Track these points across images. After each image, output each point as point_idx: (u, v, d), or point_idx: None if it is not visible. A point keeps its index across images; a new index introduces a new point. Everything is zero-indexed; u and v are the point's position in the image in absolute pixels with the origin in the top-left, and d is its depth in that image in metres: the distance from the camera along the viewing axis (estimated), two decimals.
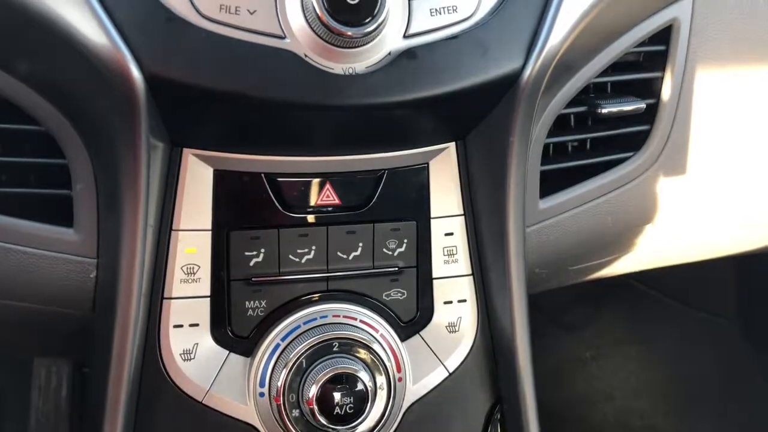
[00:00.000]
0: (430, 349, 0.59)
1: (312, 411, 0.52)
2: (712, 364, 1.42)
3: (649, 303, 1.47)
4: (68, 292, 0.53)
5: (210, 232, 0.53)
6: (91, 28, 0.43)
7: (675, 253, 0.81)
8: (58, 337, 0.67)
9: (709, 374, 1.42)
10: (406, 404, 0.58)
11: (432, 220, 0.57)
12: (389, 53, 0.48)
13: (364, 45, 0.47)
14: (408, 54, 0.48)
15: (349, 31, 0.45)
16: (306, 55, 0.46)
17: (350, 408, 0.53)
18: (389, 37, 0.48)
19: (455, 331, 0.59)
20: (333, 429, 0.53)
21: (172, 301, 0.53)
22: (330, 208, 0.55)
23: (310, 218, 0.55)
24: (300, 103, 0.46)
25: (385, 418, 0.55)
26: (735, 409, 1.37)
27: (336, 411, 0.53)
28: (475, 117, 0.54)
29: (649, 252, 0.76)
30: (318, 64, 0.47)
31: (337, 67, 0.47)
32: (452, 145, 0.56)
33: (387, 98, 0.48)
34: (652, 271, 0.91)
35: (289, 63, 0.46)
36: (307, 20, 0.45)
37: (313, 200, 0.54)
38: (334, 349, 0.54)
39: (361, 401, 0.53)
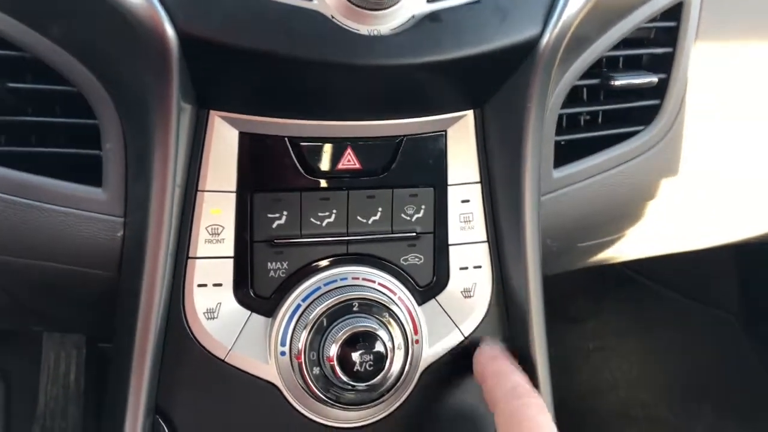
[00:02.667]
0: (446, 313, 0.60)
1: (332, 368, 0.54)
2: (714, 357, 1.43)
3: (652, 297, 1.48)
4: (95, 251, 0.54)
5: (234, 194, 0.54)
6: None
7: (681, 235, 0.83)
8: (76, 305, 0.68)
9: (711, 367, 1.44)
10: (422, 366, 0.59)
11: (449, 187, 0.59)
12: (413, 16, 0.49)
13: (389, 7, 0.48)
14: (431, 17, 0.49)
15: None
16: (333, 17, 0.48)
17: (369, 366, 0.54)
18: (413, 1, 0.49)
19: (470, 297, 0.61)
20: (352, 386, 0.54)
21: (197, 260, 0.55)
22: (350, 173, 0.56)
23: (332, 182, 0.56)
24: (327, 62, 0.48)
25: (402, 377, 0.56)
26: (737, 401, 1.38)
27: (356, 368, 0.54)
28: (494, 83, 0.55)
29: (655, 232, 0.78)
30: (344, 25, 0.48)
31: (363, 29, 0.48)
32: (470, 113, 0.58)
33: (410, 59, 0.49)
34: (656, 261, 0.93)
35: (317, 23, 0.47)
36: None
37: (335, 165, 0.56)
38: (354, 309, 0.55)
39: (380, 360, 0.54)
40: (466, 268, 0.60)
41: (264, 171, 0.55)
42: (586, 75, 0.63)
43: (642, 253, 0.88)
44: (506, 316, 0.62)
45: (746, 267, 1.35)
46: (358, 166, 0.56)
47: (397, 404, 0.59)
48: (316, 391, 0.55)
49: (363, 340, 0.54)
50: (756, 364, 1.38)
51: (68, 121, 0.53)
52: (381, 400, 0.56)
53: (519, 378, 0.55)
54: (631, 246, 0.82)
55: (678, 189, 0.72)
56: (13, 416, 1.34)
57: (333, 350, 0.54)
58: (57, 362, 1.36)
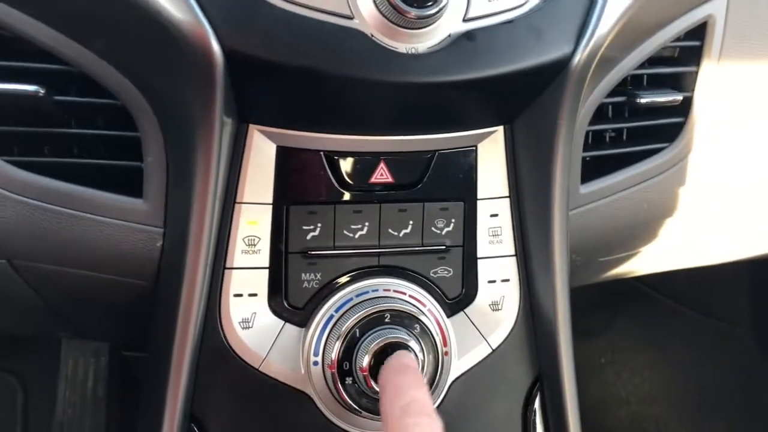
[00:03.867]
0: (474, 325, 0.61)
1: (365, 378, 0.55)
2: (727, 373, 1.43)
3: (664, 311, 1.49)
4: (134, 261, 0.56)
5: (271, 206, 0.56)
6: (176, 6, 0.46)
7: (697, 250, 0.84)
8: (106, 312, 0.69)
9: (724, 382, 1.44)
10: (451, 378, 0.60)
11: (479, 201, 0.60)
12: (449, 35, 0.51)
13: (426, 26, 0.49)
14: (467, 36, 0.51)
15: (414, 12, 0.48)
16: (372, 35, 0.49)
17: None
18: (450, 20, 0.50)
19: (498, 310, 0.62)
20: None
21: (233, 271, 0.56)
22: (383, 187, 0.57)
23: (364, 196, 0.57)
24: (366, 79, 0.49)
25: (432, 389, 0.57)
26: (749, 416, 1.38)
27: None
28: (526, 100, 0.56)
29: (673, 247, 0.79)
30: (383, 43, 0.49)
31: (401, 47, 0.50)
32: (500, 128, 0.59)
33: (447, 77, 0.50)
34: (669, 275, 0.93)
35: (357, 41, 0.49)
36: (374, 1, 0.48)
37: (368, 178, 0.57)
38: (386, 320, 0.56)
39: None
40: (495, 281, 0.61)
41: (299, 184, 0.56)
42: (613, 93, 0.65)
43: (659, 268, 0.89)
44: (533, 329, 0.62)
45: (758, 282, 1.35)
46: (390, 179, 0.57)
47: None
48: (349, 400, 0.56)
49: (395, 351, 0.55)
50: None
51: (111, 133, 0.54)
52: None
53: (418, 395, 0.48)
54: (649, 260, 0.83)
55: (697, 204, 0.73)
56: (31, 423, 1.35)
57: (365, 361, 0.55)
58: (75, 369, 1.38)
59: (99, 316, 0.69)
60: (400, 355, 0.54)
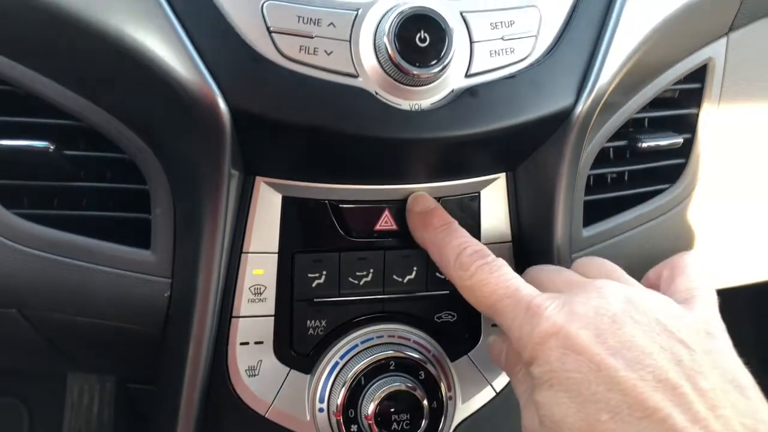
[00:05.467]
0: (478, 369, 0.62)
1: (370, 426, 0.55)
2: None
3: None
4: (142, 310, 0.56)
5: (276, 255, 0.56)
6: (184, 67, 0.47)
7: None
8: (112, 355, 0.70)
9: None
10: (456, 421, 0.60)
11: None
12: (452, 91, 0.52)
13: (430, 83, 0.50)
14: (470, 92, 0.51)
15: (417, 71, 0.49)
16: (377, 93, 0.50)
17: (407, 425, 0.56)
18: (453, 77, 0.51)
19: None
20: None
21: (240, 319, 0.56)
22: (388, 234, 0.58)
23: (369, 243, 0.58)
24: (371, 137, 0.50)
25: None
26: None
27: (393, 427, 0.55)
28: (528, 149, 0.57)
29: None
30: (387, 100, 0.50)
31: (405, 104, 0.50)
32: (503, 175, 0.60)
33: (450, 132, 0.51)
34: None
35: (362, 99, 0.49)
36: (378, 60, 0.49)
37: (372, 226, 0.58)
38: (391, 367, 0.57)
39: (417, 418, 0.56)
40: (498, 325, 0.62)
41: (305, 233, 0.57)
42: (614, 136, 0.65)
43: None
44: None
45: (763, 309, 1.35)
46: (395, 227, 0.58)
47: None
48: None
49: (400, 398, 0.56)
50: None
51: (120, 186, 0.55)
52: None
53: (462, 240, 0.53)
54: None
55: (698, 241, 0.73)
56: None
57: (371, 408, 0.55)
58: (81, 396, 1.38)
59: (106, 358, 0.70)
60: (418, 201, 0.56)
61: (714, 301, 0.49)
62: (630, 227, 0.67)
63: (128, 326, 0.58)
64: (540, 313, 0.46)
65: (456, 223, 0.56)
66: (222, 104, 0.48)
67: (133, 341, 0.60)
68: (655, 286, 0.53)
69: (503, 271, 0.51)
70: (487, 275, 0.50)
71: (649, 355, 0.43)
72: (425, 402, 0.56)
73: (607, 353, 0.43)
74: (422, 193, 0.57)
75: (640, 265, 0.71)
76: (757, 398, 0.43)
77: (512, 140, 0.55)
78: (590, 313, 0.45)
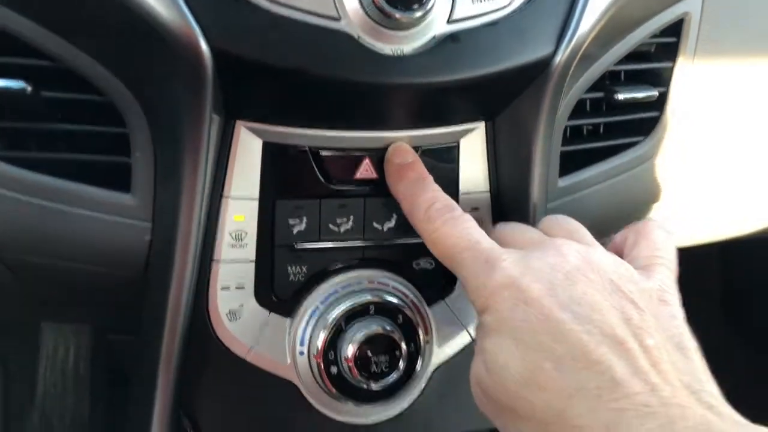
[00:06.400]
0: (454, 314, 0.63)
1: (350, 368, 0.57)
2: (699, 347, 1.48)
3: None
4: (123, 254, 0.56)
5: (257, 201, 0.57)
6: (166, 7, 0.47)
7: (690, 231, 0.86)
8: (92, 301, 0.70)
9: None
10: (432, 365, 0.62)
11: (460, 196, 0.61)
12: (434, 37, 0.52)
13: (412, 28, 0.50)
14: (451, 38, 0.52)
15: (400, 15, 0.49)
16: (359, 36, 0.50)
17: (385, 366, 0.57)
18: (435, 22, 0.51)
19: None
20: (367, 384, 0.57)
21: (221, 264, 0.57)
22: (368, 182, 0.59)
23: (350, 191, 0.59)
24: (352, 81, 0.50)
25: (414, 377, 0.59)
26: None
27: (372, 368, 0.57)
28: (508, 98, 0.58)
29: None
30: (369, 44, 0.50)
31: (387, 48, 0.51)
32: (482, 125, 0.60)
33: (432, 78, 0.51)
34: None
35: (343, 43, 0.49)
36: (361, 3, 0.49)
37: (353, 174, 0.58)
38: (370, 312, 0.58)
39: (395, 360, 0.57)
40: None
41: (286, 179, 0.57)
42: (591, 88, 0.66)
43: None
44: None
45: (730, 261, 1.39)
46: (375, 175, 0.58)
47: (409, 402, 0.62)
48: (333, 389, 0.57)
49: (379, 341, 0.57)
50: (735, 353, 1.43)
51: (98, 129, 0.54)
52: (394, 398, 0.59)
53: (432, 195, 0.55)
54: None
55: (670, 194, 0.75)
56: (12, 402, 1.36)
57: (351, 351, 0.56)
58: (55, 349, 1.38)
59: (85, 304, 0.70)
60: (398, 153, 0.57)
61: (673, 271, 0.51)
62: (604, 178, 0.68)
63: (108, 271, 0.58)
64: (496, 265, 0.48)
65: (430, 178, 0.57)
66: (204, 45, 0.47)
67: (112, 287, 0.61)
68: (619, 249, 0.54)
69: (467, 225, 0.52)
70: (451, 229, 0.52)
71: (598, 311, 0.44)
72: (403, 345, 0.58)
73: (556, 306, 0.45)
74: (402, 144, 0.58)
75: (614, 215, 0.72)
76: (697, 360, 0.45)
77: (492, 88, 0.55)
78: (545, 268, 0.47)
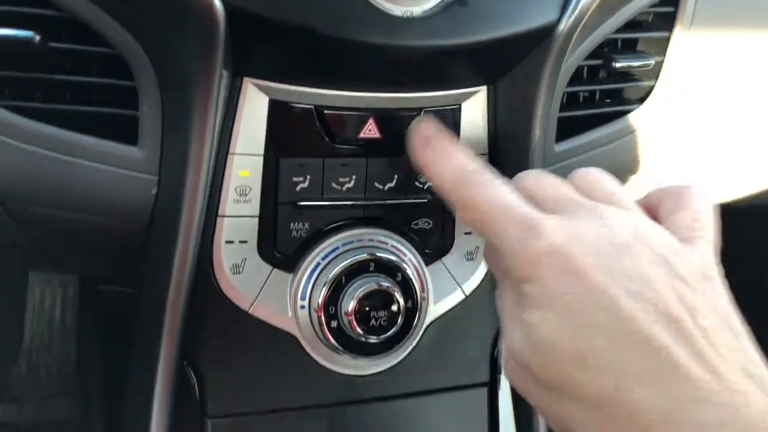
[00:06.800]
0: (450, 274, 0.65)
1: (350, 322, 0.58)
2: None
3: None
4: (128, 206, 0.57)
5: (262, 158, 0.58)
6: None
7: None
8: (93, 253, 0.70)
9: None
10: (427, 321, 0.64)
11: None
12: (442, 0, 0.52)
13: None
14: (459, 2, 0.52)
15: None
16: None
17: (384, 321, 0.59)
18: None
19: (472, 260, 0.66)
20: (365, 338, 0.59)
21: (225, 219, 0.58)
22: (371, 142, 0.60)
23: (353, 150, 0.59)
24: (363, 41, 0.51)
25: (411, 331, 0.61)
26: None
27: (371, 323, 0.59)
28: (511, 63, 0.59)
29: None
30: (380, 5, 0.51)
31: (397, 10, 0.51)
32: (484, 88, 0.62)
33: (440, 41, 0.52)
34: None
35: (355, 3, 0.50)
36: None
37: (357, 134, 0.59)
38: (370, 269, 0.60)
39: (393, 315, 0.59)
40: (470, 233, 0.65)
41: (291, 137, 0.58)
42: (589, 56, 0.67)
43: None
44: None
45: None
46: (378, 135, 0.59)
47: (404, 355, 0.64)
48: (333, 342, 0.59)
49: (378, 297, 0.59)
50: None
51: (106, 81, 0.55)
52: (390, 351, 0.61)
53: (461, 160, 0.51)
54: None
55: (660, 162, 0.77)
56: None
57: (351, 306, 0.58)
58: (42, 298, 1.38)
59: (85, 255, 0.71)
60: (423, 125, 0.56)
61: (714, 244, 0.47)
62: (598, 144, 0.70)
63: (112, 223, 0.59)
64: (539, 231, 0.43)
65: (460, 143, 0.54)
66: (217, 1, 0.48)
67: (116, 238, 0.61)
68: (653, 211, 0.49)
69: (502, 188, 0.48)
70: (485, 191, 0.48)
71: (651, 288, 0.41)
72: (401, 301, 0.60)
73: (608, 279, 0.41)
74: (427, 117, 0.58)
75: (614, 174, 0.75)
76: (746, 341, 0.42)
77: (497, 52, 0.56)
78: (592, 238, 0.43)
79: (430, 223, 0.64)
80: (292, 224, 0.60)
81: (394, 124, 0.60)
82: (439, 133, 0.55)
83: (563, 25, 0.56)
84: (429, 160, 0.54)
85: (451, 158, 0.52)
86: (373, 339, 0.59)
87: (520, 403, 0.68)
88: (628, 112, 0.72)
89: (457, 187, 0.50)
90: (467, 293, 0.66)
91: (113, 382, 0.93)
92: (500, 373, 0.69)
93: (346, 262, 0.59)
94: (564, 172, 0.67)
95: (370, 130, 0.59)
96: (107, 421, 0.93)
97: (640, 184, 0.76)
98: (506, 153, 0.63)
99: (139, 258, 0.62)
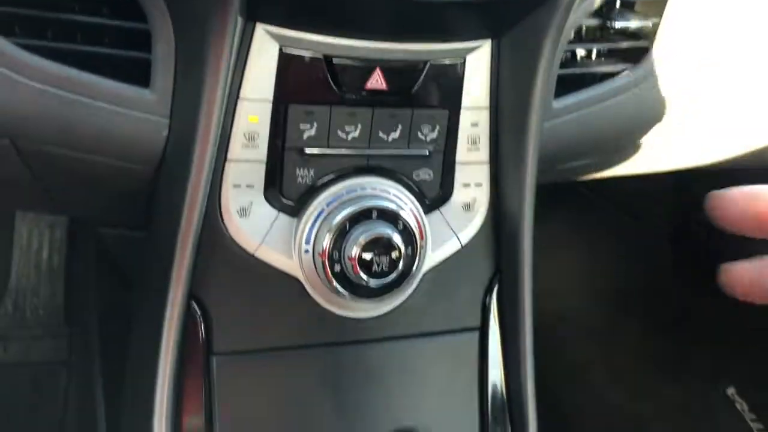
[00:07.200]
0: (448, 223, 0.68)
1: (353, 267, 0.61)
2: (644, 270, 1.58)
3: (595, 210, 1.60)
4: (139, 148, 0.58)
5: (271, 104, 0.59)
6: None
7: (651, 161, 0.92)
8: (99, 194, 0.71)
9: (640, 279, 1.58)
10: (425, 268, 0.67)
11: (462, 111, 0.64)
12: None
13: None
14: None
15: None
16: None
17: (385, 267, 0.62)
18: None
19: (470, 211, 0.68)
20: (367, 282, 0.61)
21: (233, 163, 0.59)
22: (377, 93, 0.61)
23: (359, 100, 0.61)
24: None
25: (409, 277, 0.64)
26: (659, 309, 1.54)
27: (373, 268, 0.61)
28: (516, 16, 0.60)
29: (630, 159, 0.86)
30: None
31: None
32: (488, 42, 0.63)
33: None
34: (607, 182, 1.02)
35: None
36: None
37: (363, 83, 0.60)
38: (373, 216, 0.62)
39: (394, 261, 0.62)
40: (469, 185, 0.67)
41: (299, 84, 0.59)
42: (589, 15, 0.69)
43: (607, 174, 0.97)
44: (499, 228, 0.69)
45: (681, 192, 1.47)
46: (384, 86, 0.61)
47: (401, 300, 0.67)
48: (336, 285, 0.62)
49: (380, 244, 0.61)
50: (676, 277, 1.53)
51: (118, 23, 0.55)
52: (389, 295, 0.64)
53: None
54: (597, 168, 0.90)
55: (659, 118, 0.80)
56: None
57: (354, 251, 0.60)
58: (29, 240, 1.39)
59: (89, 197, 0.72)
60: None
61: None
62: (594, 102, 0.72)
63: (123, 164, 0.60)
64: None
65: None
66: None
67: (124, 180, 0.62)
68: None
69: None
70: None
71: None
72: (402, 248, 0.62)
73: None
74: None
75: (598, 142, 0.77)
76: None
77: (504, 5, 0.58)
78: None
79: (430, 175, 0.66)
80: (297, 170, 0.61)
81: (400, 76, 0.61)
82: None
83: None
84: None
85: None
86: (374, 283, 0.62)
87: (508, 347, 0.72)
88: (623, 71, 0.74)
89: None
90: (463, 243, 0.68)
91: (110, 322, 0.95)
92: (490, 318, 0.72)
93: (349, 210, 0.61)
94: (560, 129, 0.70)
95: (377, 81, 0.61)
96: (105, 360, 0.95)
97: (634, 141, 0.79)
98: (508, 107, 0.65)
99: (144, 200, 0.63)
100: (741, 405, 1.31)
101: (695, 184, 1.38)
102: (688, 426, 1.41)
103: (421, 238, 0.65)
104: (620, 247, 1.62)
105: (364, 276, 0.61)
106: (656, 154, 0.91)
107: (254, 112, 0.59)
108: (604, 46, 0.72)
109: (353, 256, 0.60)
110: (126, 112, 0.56)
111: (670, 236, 1.52)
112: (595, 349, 1.63)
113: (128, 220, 0.77)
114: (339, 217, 0.61)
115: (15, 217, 1.35)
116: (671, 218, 1.52)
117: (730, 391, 1.33)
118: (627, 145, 0.81)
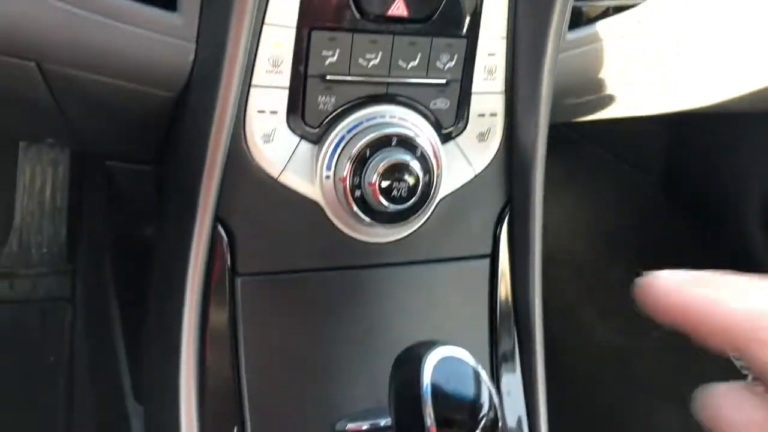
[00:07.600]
0: (463, 153, 0.69)
1: (373, 192, 0.63)
2: (634, 213, 1.61)
3: (586, 154, 1.62)
4: (165, 72, 0.59)
5: (295, 30, 0.60)
6: None
7: (650, 102, 0.93)
8: (121, 121, 0.72)
9: (630, 221, 1.62)
10: (440, 196, 0.69)
11: (480, 40, 0.66)
12: None
13: None
14: None
15: None
16: None
17: (404, 192, 0.63)
18: None
19: (484, 140, 0.70)
20: (386, 207, 0.63)
21: (257, 89, 0.60)
22: (398, 20, 0.62)
23: (381, 27, 0.62)
24: None
25: (427, 203, 0.66)
26: (649, 251, 1.58)
27: (393, 194, 0.63)
28: None
29: (630, 97, 0.88)
30: None
31: None
32: None
33: None
34: (597, 124, 1.04)
35: None
36: None
37: (385, 10, 0.61)
38: (392, 144, 0.63)
39: (413, 187, 0.64)
40: (484, 115, 0.69)
41: (322, 10, 0.60)
42: None
43: (603, 116, 0.99)
44: (510, 158, 0.71)
45: (672, 136, 1.50)
46: (405, 13, 0.62)
47: (417, 225, 0.69)
48: (356, 210, 0.64)
49: (400, 170, 0.63)
50: (668, 220, 1.57)
51: None
52: (407, 221, 0.66)
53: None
54: (597, 108, 0.92)
55: (660, 58, 0.81)
56: None
57: (374, 177, 0.62)
58: (33, 178, 1.39)
59: (109, 127, 0.73)
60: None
61: None
62: (604, 36, 0.73)
63: (146, 89, 0.61)
64: None
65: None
66: None
67: (149, 106, 0.63)
68: None
69: None
70: None
71: None
72: (420, 175, 0.64)
73: None
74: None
75: (604, 77, 0.79)
76: None
77: None
78: None
79: (447, 104, 0.67)
80: (319, 97, 0.63)
81: (421, 3, 0.62)
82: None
83: None
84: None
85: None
86: (392, 208, 0.64)
87: (517, 274, 0.75)
88: (635, 5, 0.75)
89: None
90: (477, 172, 0.70)
91: (123, 257, 0.96)
92: (500, 245, 0.75)
93: (370, 137, 0.63)
94: (573, 61, 0.71)
95: (398, 8, 0.62)
96: (118, 291, 0.97)
97: (645, 73, 0.81)
98: (525, 37, 0.66)
99: (160, 132, 0.64)
100: None
101: (688, 128, 1.41)
102: (675, 360, 1.47)
103: (438, 165, 0.67)
104: (611, 190, 1.65)
105: (384, 201, 0.63)
106: (652, 97, 0.93)
107: (279, 38, 0.59)
108: None
109: (373, 181, 0.62)
110: (152, 35, 0.57)
111: (662, 182, 1.56)
112: (584, 288, 1.68)
113: (140, 154, 0.78)
114: (359, 144, 0.63)
115: (18, 156, 1.36)
116: (664, 165, 1.55)
117: None
118: (629, 84, 0.82)
